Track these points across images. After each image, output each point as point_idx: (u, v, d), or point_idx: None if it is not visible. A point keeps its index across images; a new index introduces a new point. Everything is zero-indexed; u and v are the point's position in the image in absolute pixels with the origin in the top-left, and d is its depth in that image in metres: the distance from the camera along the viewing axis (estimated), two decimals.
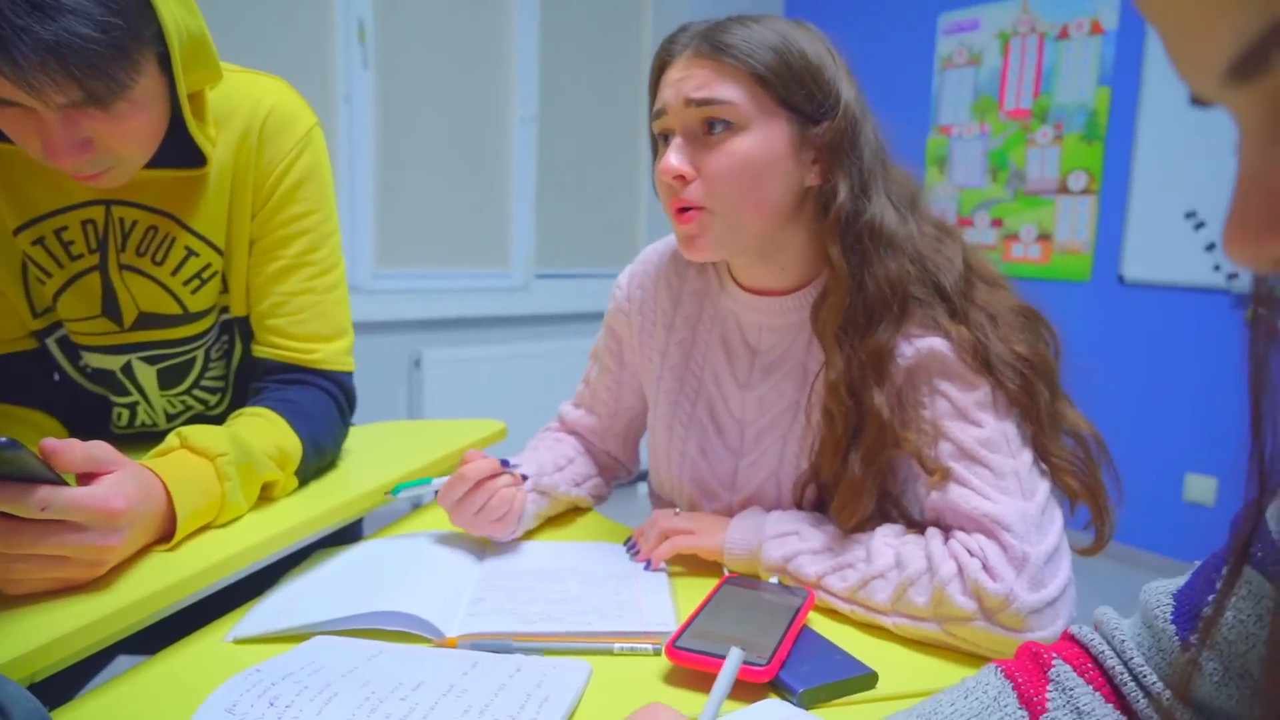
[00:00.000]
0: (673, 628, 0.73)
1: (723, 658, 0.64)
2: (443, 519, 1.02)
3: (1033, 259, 3.14)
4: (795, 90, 0.80)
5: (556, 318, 3.21)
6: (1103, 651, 0.56)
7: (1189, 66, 0.25)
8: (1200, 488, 2.76)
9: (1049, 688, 0.54)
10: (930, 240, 0.84)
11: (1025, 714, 0.53)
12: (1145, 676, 0.53)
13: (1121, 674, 0.54)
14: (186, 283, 0.95)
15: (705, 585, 0.82)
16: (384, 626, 0.73)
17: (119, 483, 0.69)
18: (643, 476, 1.15)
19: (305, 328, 0.98)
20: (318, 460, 0.96)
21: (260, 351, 0.98)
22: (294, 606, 0.76)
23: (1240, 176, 0.25)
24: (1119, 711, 0.53)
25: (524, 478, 0.93)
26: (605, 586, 0.83)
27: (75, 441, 0.67)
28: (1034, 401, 0.78)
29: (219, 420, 0.93)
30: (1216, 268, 2.70)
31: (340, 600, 0.75)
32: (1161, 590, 0.55)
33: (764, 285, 0.90)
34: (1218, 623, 0.50)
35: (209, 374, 1.03)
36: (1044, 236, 3.11)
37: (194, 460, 0.79)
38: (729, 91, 0.79)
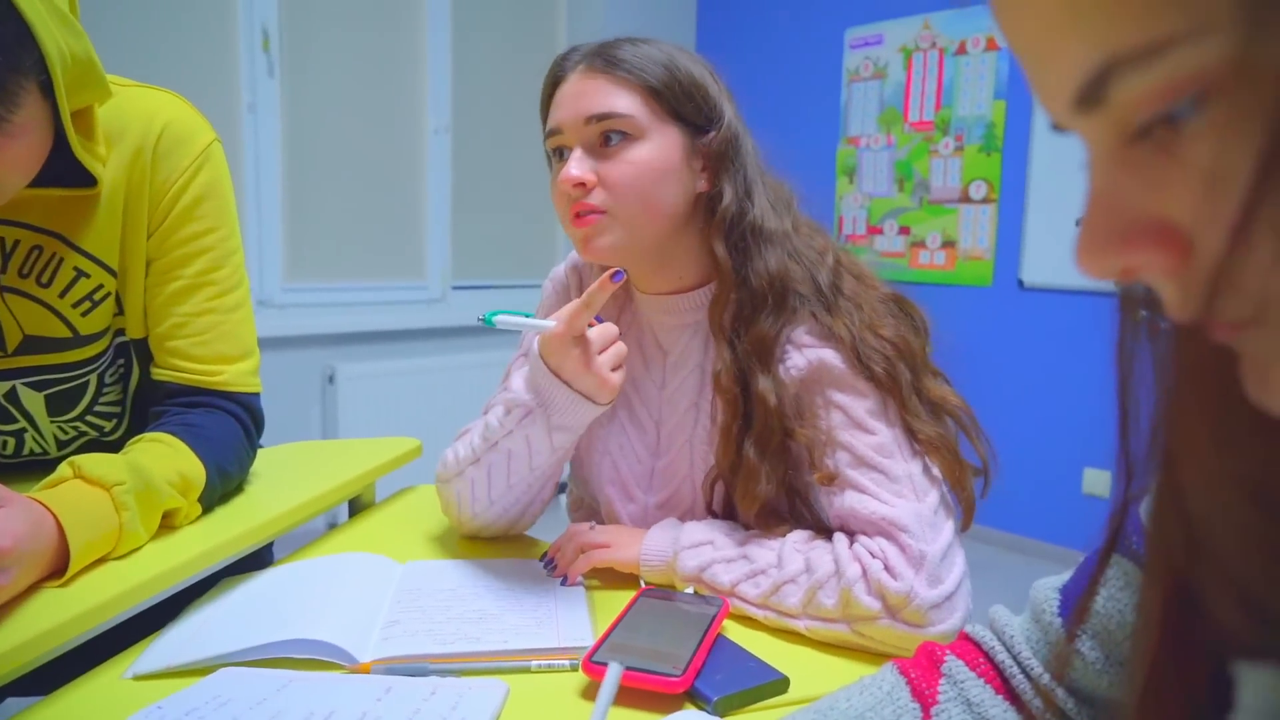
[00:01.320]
0: (590, 642, 0.74)
1: (639, 671, 0.65)
2: (352, 541, 1.00)
3: (939, 265, 3.27)
4: (684, 103, 0.86)
5: (475, 330, 3.18)
6: (993, 647, 0.59)
7: (1044, 95, 0.27)
8: (1097, 481, 2.91)
9: (941, 681, 0.57)
10: (805, 238, 0.90)
11: (917, 706, 0.56)
12: (1033, 668, 0.57)
13: (1010, 667, 0.58)
14: (76, 304, 0.91)
15: (622, 598, 0.83)
16: (294, 655, 0.71)
17: (4, 520, 0.65)
18: (561, 489, 1.15)
19: (209, 349, 0.95)
20: (223, 485, 0.93)
21: (160, 374, 0.95)
22: (198, 638, 0.74)
23: (1089, 196, 0.27)
24: (1008, 702, 0.56)
25: None
26: (522, 603, 0.82)
27: None
28: (896, 382, 0.82)
29: (115, 447, 0.89)
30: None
31: (247, 630, 0.73)
32: (1049, 586, 0.59)
33: (664, 291, 0.93)
34: (1089, 606, 0.53)
35: (103, 399, 0.98)
36: (949, 244, 3.24)
37: (88, 490, 0.76)
38: (625, 103, 0.84)
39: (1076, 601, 0.55)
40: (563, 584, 0.87)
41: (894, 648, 0.74)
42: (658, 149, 0.85)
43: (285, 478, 1.05)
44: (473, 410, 3.46)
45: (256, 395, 1.01)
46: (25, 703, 0.68)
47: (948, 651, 0.60)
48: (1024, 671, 0.57)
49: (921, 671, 0.58)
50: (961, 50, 3.16)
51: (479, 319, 0.82)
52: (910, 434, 0.82)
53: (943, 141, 3.22)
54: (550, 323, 0.81)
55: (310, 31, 2.80)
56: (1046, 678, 0.56)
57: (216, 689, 0.65)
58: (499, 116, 3.31)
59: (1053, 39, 0.25)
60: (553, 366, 0.83)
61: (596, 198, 0.84)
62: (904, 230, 3.35)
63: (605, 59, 0.84)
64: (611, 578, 0.90)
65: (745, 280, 0.86)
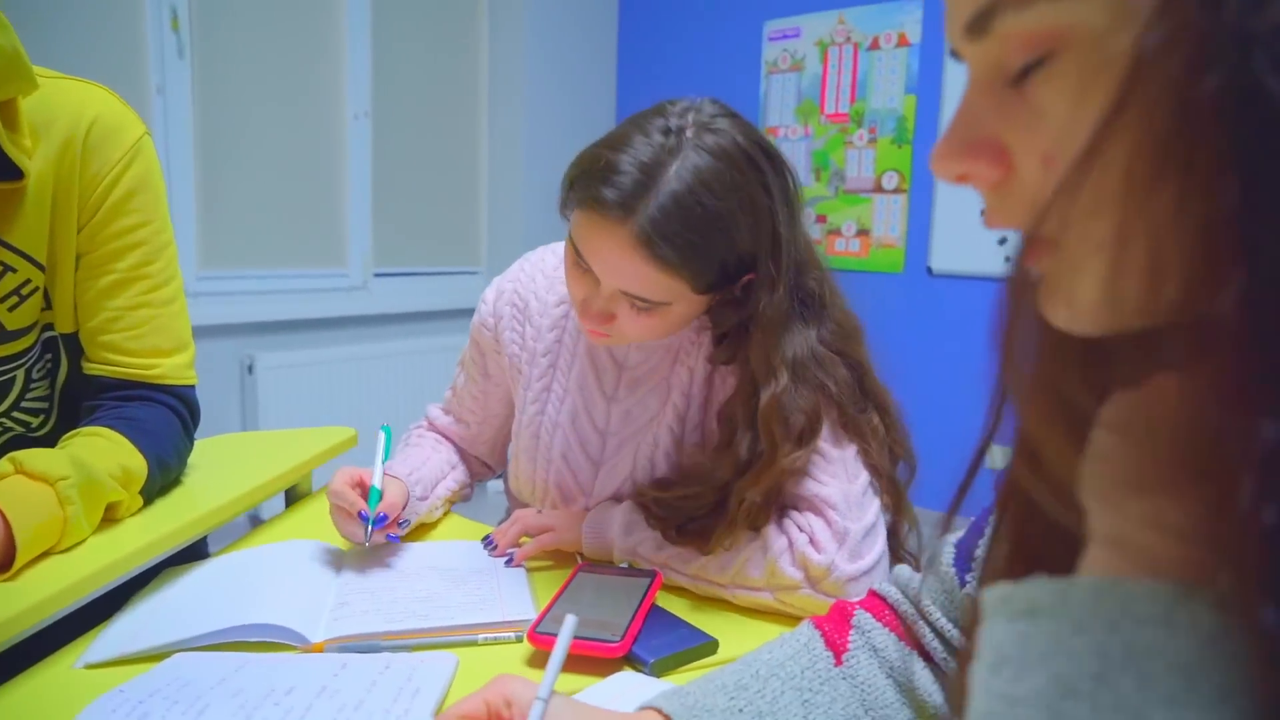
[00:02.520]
0: (533, 615, 0.79)
1: (581, 639, 0.70)
2: (291, 530, 1.02)
3: (853, 253, 3.39)
4: (723, 282, 0.83)
5: (397, 317, 3.16)
6: (898, 600, 0.67)
7: (949, 22, 0.33)
8: (1002, 456, 3.08)
9: (851, 632, 0.64)
10: (829, 349, 0.88)
11: (830, 654, 0.63)
12: (932, 614, 0.64)
13: (912, 615, 0.65)
14: (2, 300, 0.90)
15: (560, 575, 0.88)
16: (247, 639, 0.74)
17: None
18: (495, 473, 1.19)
19: (144, 342, 0.95)
20: (163, 478, 0.94)
21: (93, 369, 0.95)
22: (149, 627, 0.75)
23: (957, 110, 0.33)
24: (909, 647, 0.64)
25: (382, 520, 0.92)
26: (467, 582, 0.87)
27: None
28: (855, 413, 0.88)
29: (42, 442, 0.89)
30: (1008, 259, 3.02)
31: (199, 617, 0.76)
32: (945, 542, 0.66)
33: None
34: (970, 555, 0.61)
35: (31, 394, 0.98)
36: (863, 232, 3.37)
37: (32, 485, 0.77)
38: (665, 294, 0.81)
39: (975, 558, 0.63)
40: (506, 564, 0.92)
41: (812, 613, 0.81)
42: (681, 312, 0.84)
43: (222, 469, 1.06)
44: (396, 399, 3.42)
45: (192, 388, 1.01)
46: None
47: (857, 607, 0.67)
48: (924, 618, 0.65)
49: (834, 625, 0.65)
50: (875, 45, 3.27)
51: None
52: (852, 431, 0.88)
53: (857, 133, 3.34)
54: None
55: (222, 11, 2.72)
56: (943, 620, 0.63)
57: (175, 672, 0.67)
58: (421, 101, 3.28)
59: None
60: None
61: (610, 329, 0.85)
62: (821, 218, 3.46)
63: (655, 244, 0.77)
64: (550, 555, 0.95)
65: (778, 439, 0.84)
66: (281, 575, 0.86)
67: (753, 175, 0.80)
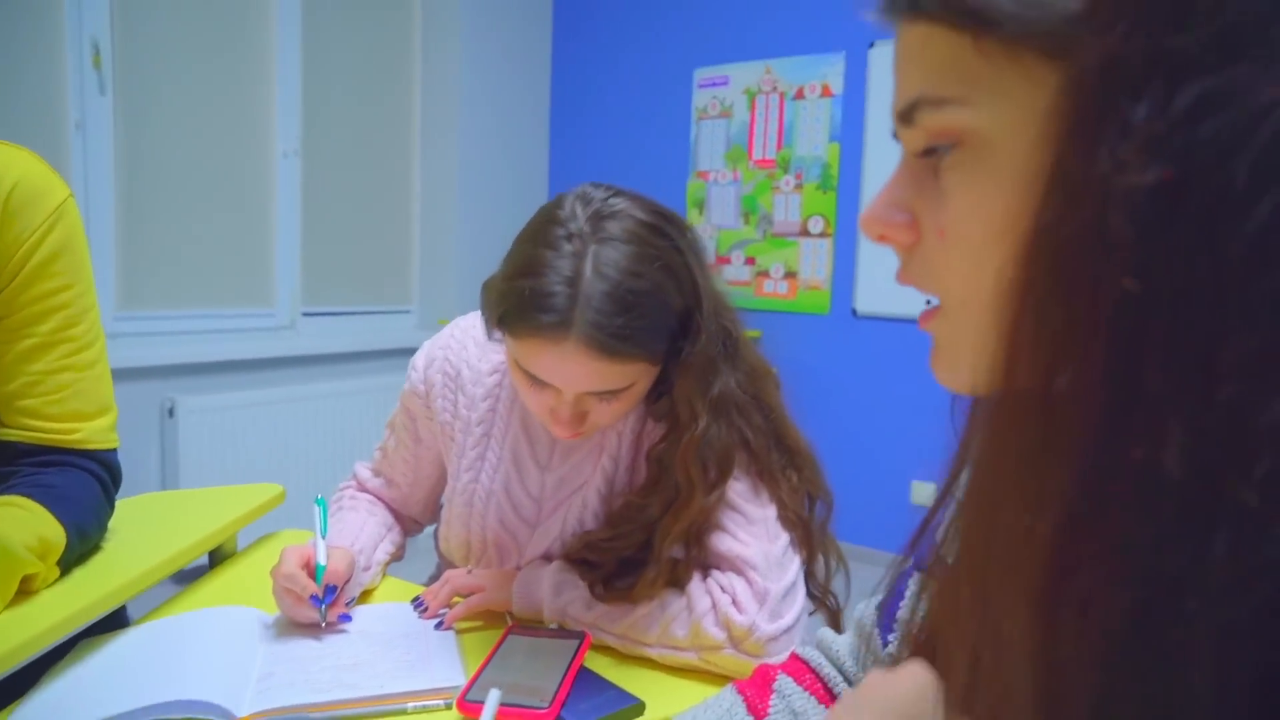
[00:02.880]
0: (462, 681, 0.79)
1: (510, 706, 0.72)
2: (216, 594, 1.01)
3: (781, 294, 3.49)
4: (672, 347, 0.86)
5: (327, 357, 3.11)
6: (819, 663, 0.70)
7: (894, 106, 0.38)
8: (924, 492, 3.19)
9: (772, 697, 0.67)
10: (746, 394, 0.92)
11: (752, 718, 0.65)
12: (854, 676, 0.67)
13: (834, 678, 0.68)
14: None
15: (490, 636, 0.89)
16: (172, 715, 0.73)
17: None
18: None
19: (64, 407, 0.94)
20: (81, 546, 0.92)
21: (10, 435, 0.93)
22: (65, 706, 0.74)
23: (889, 180, 0.39)
24: (830, 709, 0.67)
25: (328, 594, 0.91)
26: (395, 647, 0.87)
27: None
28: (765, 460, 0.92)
29: None
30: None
31: (117, 694, 0.74)
32: (868, 604, 0.70)
33: None
34: (892, 617, 0.64)
35: None
36: (790, 274, 3.46)
37: None
38: (628, 379, 0.84)
39: (899, 620, 0.67)
40: (436, 627, 0.92)
41: (735, 673, 0.84)
42: (641, 389, 0.87)
43: (143, 532, 1.04)
44: (327, 442, 3.36)
45: (114, 451, 1.00)
46: None
47: (779, 670, 0.70)
48: (846, 680, 0.68)
49: (756, 689, 0.67)
50: (800, 95, 3.40)
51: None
52: (771, 484, 0.92)
53: (784, 179, 3.45)
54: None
55: (146, 47, 2.68)
56: None
57: None
58: (352, 139, 3.27)
59: (905, 71, 0.37)
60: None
61: (581, 426, 0.87)
62: (750, 260, 3.55)
63: (607, 346, 0.79)
64: (479, 615, 0.95)
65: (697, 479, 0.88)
66: (205, 645, 0.85)
67: (662, 242, 0.83)
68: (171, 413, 2.70)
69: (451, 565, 1.06)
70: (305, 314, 3.14)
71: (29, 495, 0.87)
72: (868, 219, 0.39)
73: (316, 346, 3.07)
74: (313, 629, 0.91)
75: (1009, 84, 0.33)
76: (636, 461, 0.97)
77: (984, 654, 0.35)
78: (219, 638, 0.87)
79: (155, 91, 2.72)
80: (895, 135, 0.39)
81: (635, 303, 0.80)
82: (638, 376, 0.84)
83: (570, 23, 3.84)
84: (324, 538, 0.94)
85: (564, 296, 0.79)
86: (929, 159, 0.37)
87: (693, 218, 3.65)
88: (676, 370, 0.87)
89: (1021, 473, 0.32)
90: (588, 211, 0.82)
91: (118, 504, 1.05)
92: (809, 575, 0.94)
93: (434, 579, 1.14)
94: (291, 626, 0.91)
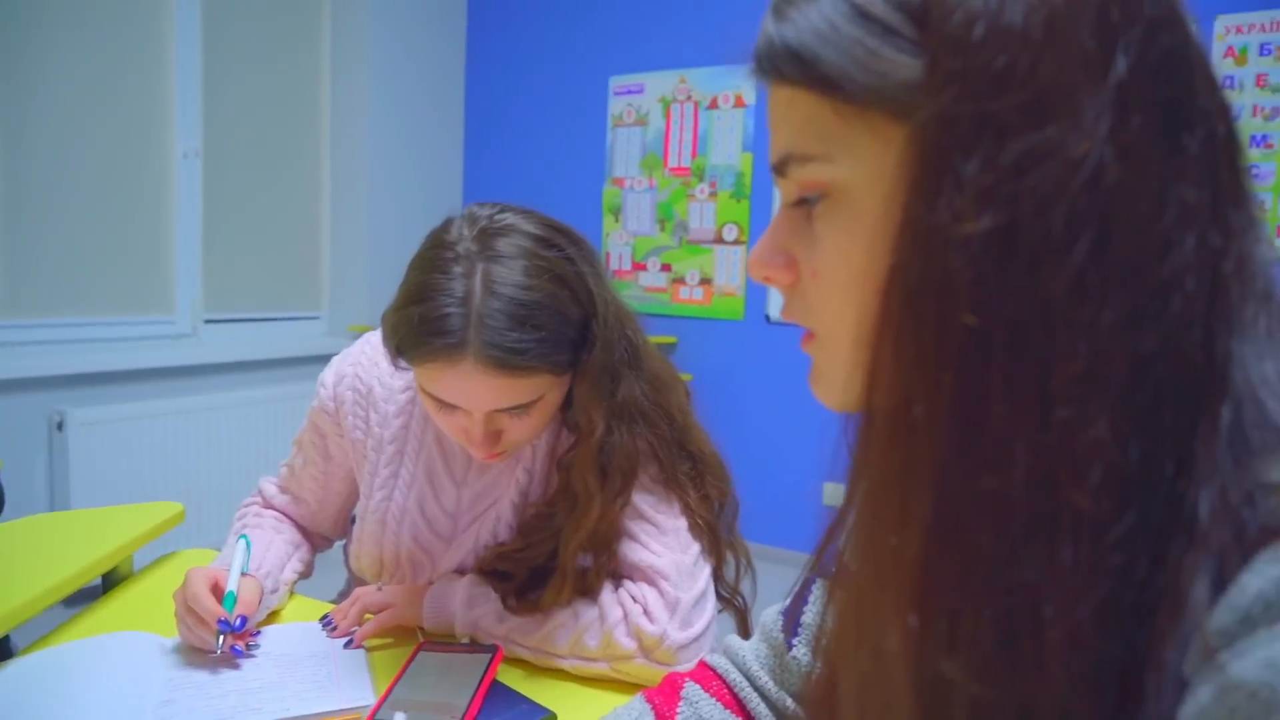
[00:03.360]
0: (372, 700, 0.78)
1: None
2: (110, 620, 0.97)
3: (697, 300, 3.53)
4: (576, 354, 0.85)
5: (231, 366, 3.00)
6: (726, 670, 0.72)
7: (770, 159, 0.42)
8: (836, 494, 3.27)
9: (680, 704, 0.68)
10: (649, 400, 0.93)
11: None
12: (760, 681, 0.69)
13: (741, 684, 0.70)
14: None
15: (401, 653, 0.88)
16: None
17: None
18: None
19: None
20: None
21: None
22: None
23: (770, 225, 0.42)
24: (737, 716, 0.68)
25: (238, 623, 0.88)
26: (302, 668, 0.85)
27: None
28: (680, 479, 0.94)
29: None
30: None
31: None
32: (774, 611, 0.72)
33: None
34: (798, 620, 0.67)
35: None
36: (706, 281, 3.51)
37: None
38: (531, 393, 0.83)
39: (789, 614, 0.69)
40: (346, 645, 0.90)
41: (647, 681, 0.85)
42: (555, 396, 0.87)
43: (30, 556, 0.99)
44: (233, 457, 3.26)
45: None
46: None
47: (687, 678, 0.71)
48: (753, 685, 0.70)
49: (664, 697, 0.69)
50: (714, 105, 3.45)
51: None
52: (679, 492, 0.93)
53: (699, 187, 3.50)
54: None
55: (34, 43, 2.54)
56: (773, 687, 0.68)
57: None
58: (257, 139, 3.16)
59: (776, 129, 0.40)
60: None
61: (497, 446, 0.86)
62: (666, 267, 3.59)
63: (506, 363, 0.79)
64: (389, 632, 0.94)
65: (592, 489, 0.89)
66: (97, 674, 0.81)
67: (552, 254, 0.83)
68: (60, 426, 2.56)
69: (362, 581, 1.04)
70: (208, 321, 3.03)
71: None
72: (753, 263, 0.43)
73: (220, 355, 2.96)
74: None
75: (862, 142, 0.36)
76: (551, 473, 0.97)
77: (866, 668, 0.37)
78: (113, 666, 0.83)
79: (39, 88, 2.58)
80: (775, 183, 0.42)
81: (529, 316, 0.79)
82: (544, 389, 0.84)
83: (484, 25, 3.81)
84: (243, 573, 0.91)
85: (457, 318, 0.78)
86: (803, 207, 0.40)
87: (609, 224, 3.67)
88: (575, 379, 0.87)
89: (887, 494, 0.35)
90: (474, 230, 0.82)
91: (2, 528, 0.99)
92: (718, 577, 0.96)
93: (343, 595, 1.12)
94: (194, 649, 0.88)
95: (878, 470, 0.36)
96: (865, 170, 0.37)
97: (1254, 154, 2.54)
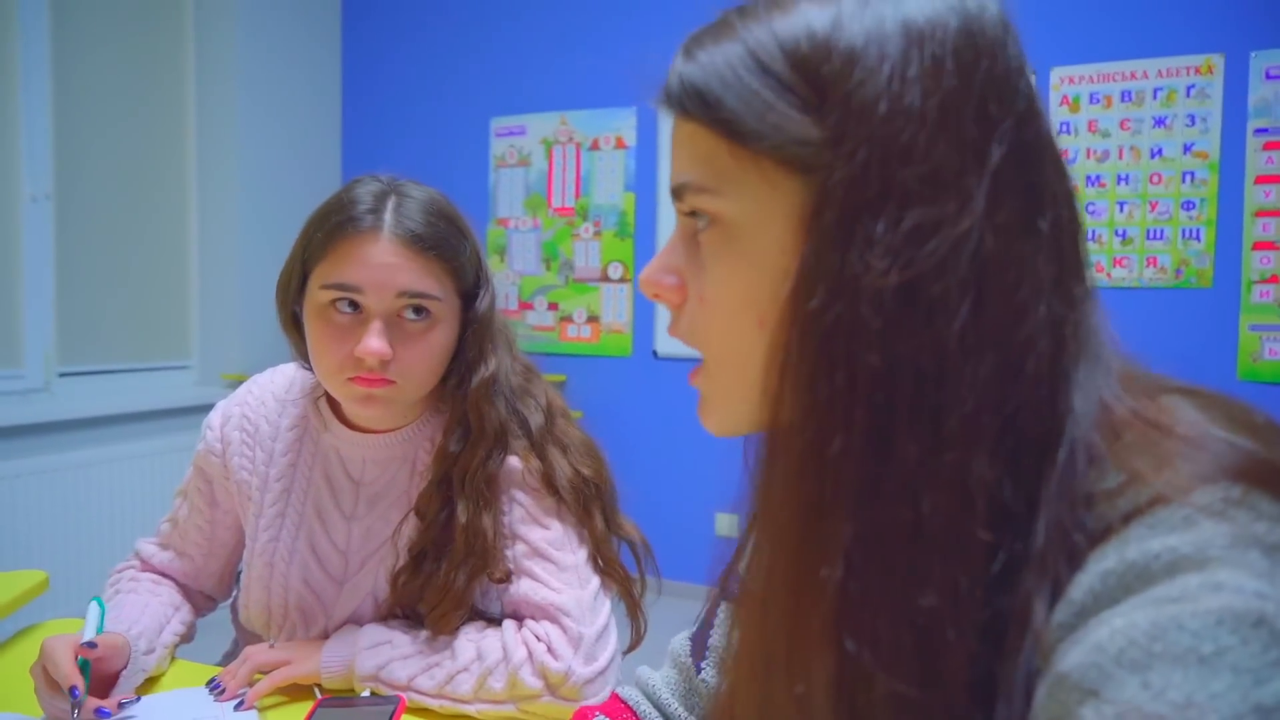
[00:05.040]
0: None
1: None
2: None
3: (585, 338, 3.56)
4: (470, 276, 0.91)
5: (87, 422, 2.79)
6: (637, 701, 0.72)
7: (670, 182, 0.44)
8: (728, 523, 3.34)
9: None
10: (520, 380, 0.97)
11: None
12: (671, 709, 0.70)
13: (649, 712, 0.71)
14: None
15: (297, 711, 0.85)
16: None
17: None
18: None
19: None
20: None
21: None
22: None
23: (664, 246, 0.45)
24: None
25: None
26: None
27: None
28: (589, 515, 0.94)
29: None
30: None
31: None
32: (682, 637, 0.73)
33: (368, 429, 0.96)
34: (704, 643, 0.68)
35: None
36: (593, 318, 3.54)
37: None
38: (436, 286, 0.87)
39: (696, 640, 0.71)
40: (237, 708, 0.86)
41: None
42: (449, 330, 0.89)
43: None
44: (100, 517, 3.05)
45: None
46: None
47: (597, 711, 0.72)
48: (662, 713, 0.71)
49: None
50: (595, 146, 3.51)
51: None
52: (599, 557, 0.93)
53: (583, 226, 3.54)
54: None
55: None
56: (683, 712, 0.70)
57: None
58: (115, 180, 2.99)
59: (677, 156, 0.43)
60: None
61: (389, 370, 0.85)
62: (553, 306, 3.60)
63: (420, 239, 0.85)
64: (284, 691, 0.90)
65: (480, 429, 0.90)
66: None
67: (457, 217, 0.92)
68: None
69: (252, 639, 0.99)
70: (62, 374, 2.82)
71: None
72: (644, 280, 0.45)
73: (77, 410, 2.76)
74: None
75: (753, 184, 0.40)
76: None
77: (781, 689, 0.40)
78: None
79: None
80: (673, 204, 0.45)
81: (441, 216, 0.88)
82: (445, 296, 0.88)
83: (360, 62, 3.77)
84: (103, 633, 0.85)
85: (376, 199, 0.87)
86: (692, 229, 0.43)
87: (495, 265, 3.66)
88: (470, 324, 0.91)
89: (807, 527, 0.38)
90: (390, 179, 0.91)
91: None
92: (609, 559, 0.96)
93: (230, 656, 1.06)
94: None
95: (792, 501, 0.39)
96: (753, 209, 0.40)
97: (1089, 193, 2.79)
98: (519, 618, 0.91)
